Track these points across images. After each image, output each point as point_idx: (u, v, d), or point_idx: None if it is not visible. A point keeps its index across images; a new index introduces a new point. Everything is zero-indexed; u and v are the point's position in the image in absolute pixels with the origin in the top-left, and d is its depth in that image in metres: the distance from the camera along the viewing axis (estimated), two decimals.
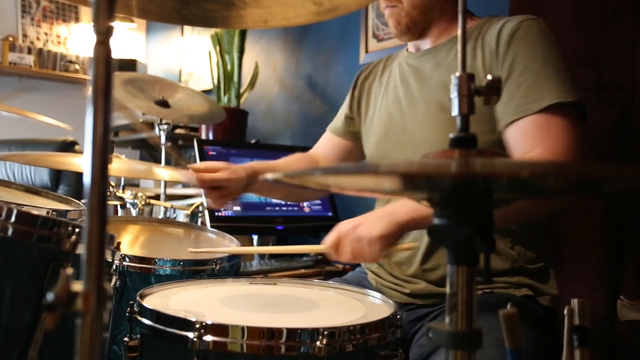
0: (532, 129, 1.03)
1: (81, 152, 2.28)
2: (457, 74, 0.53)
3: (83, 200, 1.32)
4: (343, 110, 1.45)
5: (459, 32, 0.54)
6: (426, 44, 1.27)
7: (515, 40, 1.08)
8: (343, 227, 0.97)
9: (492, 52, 1.11)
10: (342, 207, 2.25)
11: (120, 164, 1.44)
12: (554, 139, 1.01)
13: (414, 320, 1.16)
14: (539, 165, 0.41)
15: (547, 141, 1.01)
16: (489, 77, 0.53)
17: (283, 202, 2.11)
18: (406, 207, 0.98)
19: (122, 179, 1.96)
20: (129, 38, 4.22)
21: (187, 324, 0.74)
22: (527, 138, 1.03)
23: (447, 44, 1.22)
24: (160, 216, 2.05)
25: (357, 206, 1.55)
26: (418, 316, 1.16)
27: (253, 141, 2.54)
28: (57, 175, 2.39)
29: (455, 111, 0.53)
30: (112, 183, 1.88)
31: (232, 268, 1.26)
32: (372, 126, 1.33)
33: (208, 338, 0.72)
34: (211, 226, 1.81)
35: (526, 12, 1.59)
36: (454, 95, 0.53)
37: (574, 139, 1.02)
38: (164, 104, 2.02)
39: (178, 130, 3.16)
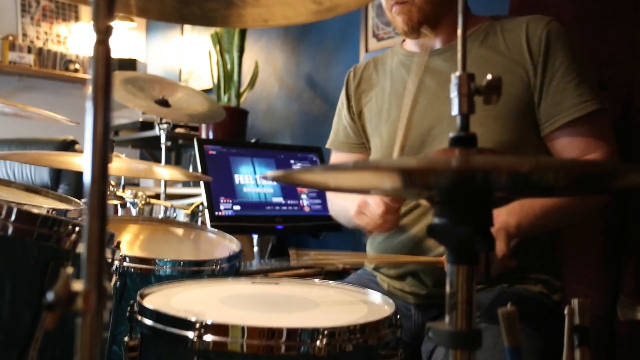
0: (587, 132, 1.10)
1: (81, 151, 2.28)
2: (457, 73, 0.53)
3: (83, 200, 1.32)
4: (343, 123, 1.40)
5: (459, 31, 0.54)
6: (436, 42, 1.25)
7: (552, 41, 1.12)
8: None
9: (522, 49, 1.14)
10: None
11: (120, 163, 1.44)
12: (607, 143, 1.11)
13: (429, 319, 1.17)
14: (538, 161, 0.41)
15: (602, 145, 1.11)
16: (489, 76, 0.53)
17: (283, 201, 2.11)
18: (512, 214, 1.03)
19: (122, 178, 1.96)
20: (128, 37, 4.22)
21: (187, 324, 0.74)
22: (584, 141, 1.11)
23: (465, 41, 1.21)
24: (161, 215, 2.05)
25: None
26: (432, 316, 1.18)
27: (253, 140, 2.54)
28: (57, 175, 2.39)
29: (455, 110, 0.53)
30: (112, 182, 1.88)
31: (231, 268, 1.26)
32: (383, 130, 1.30)
33: (208, 338, 0.72)
34: (211, 226, 1.81)
35: (526, 11, 1.59)
36: (453, 94, 0.53)
37: (615, 142, 1.13)
38: (164, 103, 2.02)
39: (178, 130, 3.16)
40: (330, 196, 1.44)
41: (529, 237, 1.14)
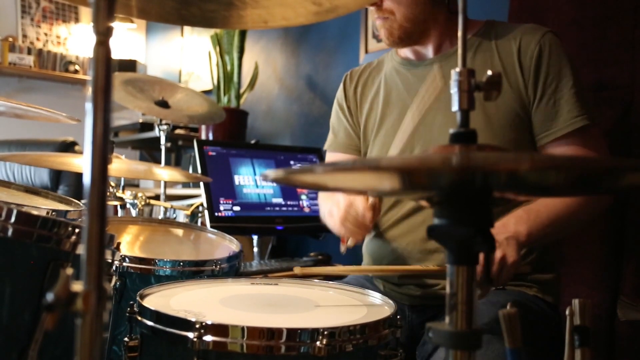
0: (579, 146, 1.11)
1: (81, 153, 2.28)
2: (458, 69, 0.53)
3: (83, 201, 1.32)
4: (344, 125, 1.39)
5: (460, 32, 0.54)
6: (428, 50, 1.25)
7: (544, 57, 1.13)
8: None
9: (514, 62, 1.14)
10: None
11: (120, 164, 1.44)
12: (599, 154, 1.12)
13: (423, 321, 1.17)
14: (538, 159, 0.41)
15: (596, 156, 1.11)
16: (489, 72, 0.53)
17: (283, 202, 2.11)
18: (521, 223, 1.03)
19: (122, 179, 1.96)
20: (128, 38, 4.22)
21: (187, 324, 0.74)
22: (577, 153, 1.11)
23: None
24: (160, 216, 2.05)
25: None
26: (427, 317, 1.17)
27: (253, 141, 2.54)
28: (57, 176, 2.39)
29: (455, 106, 0.53)
30: (112, 183, 1.88)
31: (231, 269, 1.26)
32: (377, 138, 1.30)
33: (208, 338, 0.72)
34: (211, 226, 1.80)
35: (526, 12, 1.59)
36: (454, 90, 0.53)
37: (607, 152, 1.14)
38: (163, 104, 2.02)
39: (178, 131, 3.16)
40: (320, 200, 1.43)
41: (536, 245, 1.14)
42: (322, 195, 1.41)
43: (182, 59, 3.86)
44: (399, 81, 1.28)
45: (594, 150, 1.12)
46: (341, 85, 1.41)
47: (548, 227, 1.05)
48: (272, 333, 0.72)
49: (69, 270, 0.45)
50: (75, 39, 4.07)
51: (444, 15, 1.22)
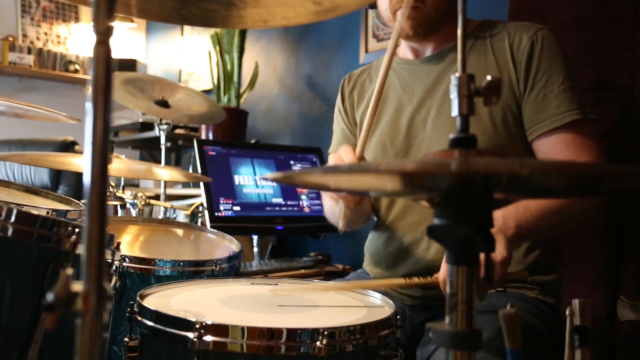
0: (569, 140, 1.09)
1: (81, 152, 2.28)
2: (457, 74, 0.53)
3: (83, 201, 1.32)
4: (341, 127, 1.41)
5: (459, 32, 0.54)
6: (427, 49, 1.26)
7: (536, 51, 1.12)
8: None
9: (507, 60, 1.15)
10: None
11: (120, 164, 1.44)
12: (589, 151, 1.09)
13: (424, 320, 1.17)
14: (538, 164, 0.41)
15: (584, 152, 1.09)
16: (489, 77, 0.53)
17: (283, 202, 2.12)
18: (509, 217, 0.99)
19: (122, 179, 1.96)
20: (128, 38, 4.22)
21: (187, 324, 0.74)
22: (566, 148, 1.09)
23: (453, 49, 1.22)
24: (160, 216, 2.05)
25: None
26: (428, 317, 1.18)
27: (253, 141, 2.54)
28: (57, 176, 2.39)
29: (455, 112, 0.53)
30: (112, 183, 1.88)
31: (231, 269, 1.26)
32: (373, 136, 1.30)
33: (208, 338, 0.72)
34: (211, 226, 1.81)
35: (526, 11, 1.59)
36: (453, 95, 0.53)
37: (601, 150, 1.12)
38: (164, 104, 2.02)
39: (178, 130, 3.16)
40: (322, 196, 1.44)
41: (527, 241, 1.13)
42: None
43: (182, 58, 3.86)
44: (395, 79, 1.29)
45: (584, 147, 1.09)
46: (339, 89, 1.43)
47: (538, 220, 1.01)
48: (272, 333, 0.72)
49: (69, 270, 0.45)
50: (75, 39, 4.07)
51: (455, 12, 1.22)
